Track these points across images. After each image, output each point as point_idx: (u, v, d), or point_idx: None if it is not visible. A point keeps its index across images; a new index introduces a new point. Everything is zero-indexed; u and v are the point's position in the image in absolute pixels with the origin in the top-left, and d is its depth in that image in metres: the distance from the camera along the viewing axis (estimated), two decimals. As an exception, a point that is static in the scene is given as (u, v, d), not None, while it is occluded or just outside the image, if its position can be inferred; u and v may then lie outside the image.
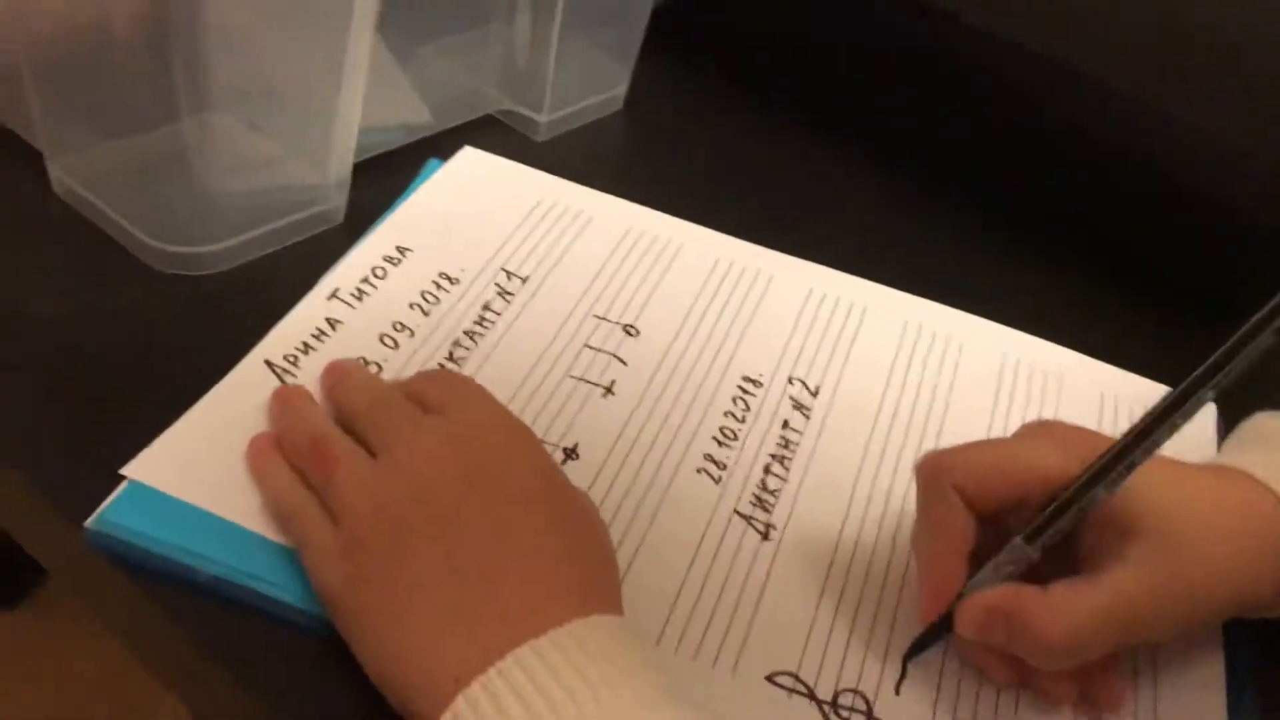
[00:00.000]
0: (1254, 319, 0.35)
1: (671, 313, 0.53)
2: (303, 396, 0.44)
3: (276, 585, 0.39)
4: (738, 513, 0.45)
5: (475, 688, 0.32)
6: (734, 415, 0.49)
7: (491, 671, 0.32)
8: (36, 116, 0.52)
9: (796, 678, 0.39)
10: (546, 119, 0.63)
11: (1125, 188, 0.62)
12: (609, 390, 0.49)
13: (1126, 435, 0.37)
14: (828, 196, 0.65)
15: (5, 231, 0.51)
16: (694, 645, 0.40)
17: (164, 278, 0.50)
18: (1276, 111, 0.54)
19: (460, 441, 0.39)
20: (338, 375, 0.45)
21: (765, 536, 0.44)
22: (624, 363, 0.50)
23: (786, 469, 0.47)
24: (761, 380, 0.51)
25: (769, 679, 0.39)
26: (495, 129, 0.64)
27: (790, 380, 0.51)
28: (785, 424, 0.49)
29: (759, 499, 0.45)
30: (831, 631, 0.41)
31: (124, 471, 0.41)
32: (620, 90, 0.68)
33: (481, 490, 0.38)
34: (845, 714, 0.39)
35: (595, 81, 0.66)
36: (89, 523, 0.40)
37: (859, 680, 0.40)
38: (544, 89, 0.62)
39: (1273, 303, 0.34)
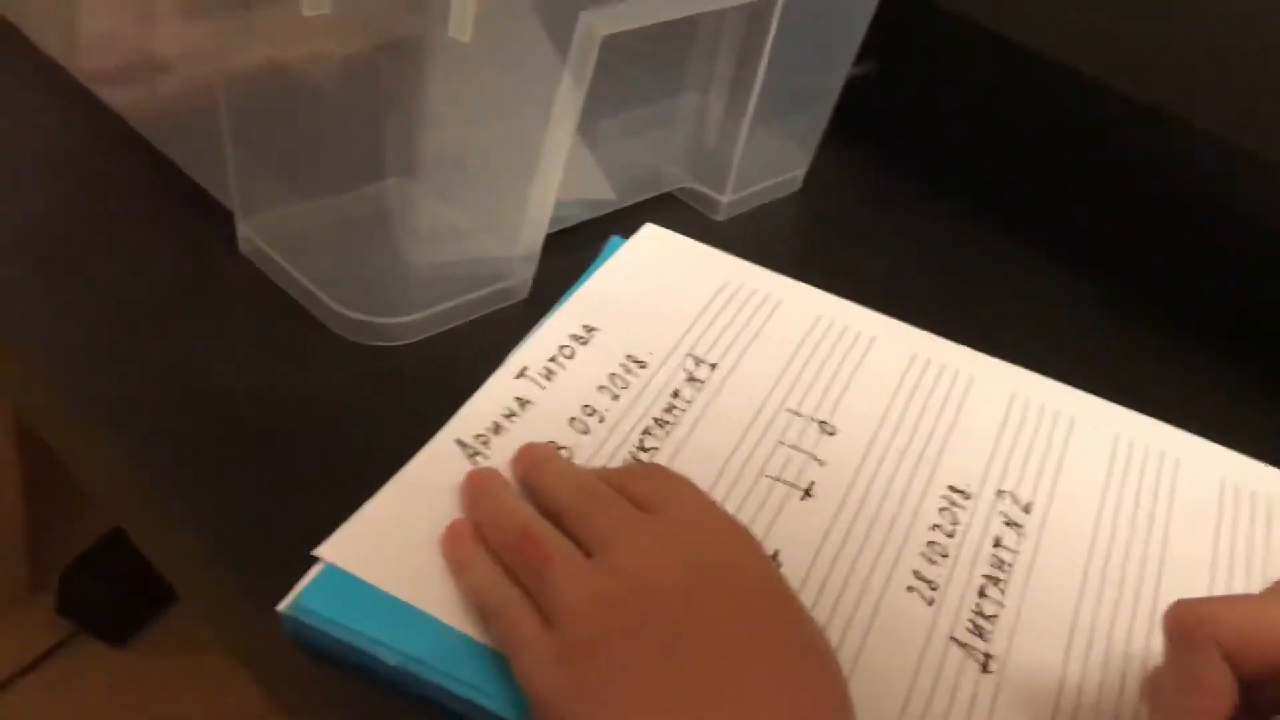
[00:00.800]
0: None
1: (868, 410, 0.50)
2: (501, 482, 0.42)
3: (474, 687, 0.36)
4: (954, 640, 0.41)
5: None
6: (942, 529, 0.45)
7: None
8: (230, 172, 0.51)
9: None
10: (728, 199, 0.61)
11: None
12: (807, 493, 0.46)
13: None
14: (1014, 291, 0.62)
15: (190, 291, 0.51)
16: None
17: (349, 346, 0.49)
18: None
19: (683, 544, 0.37)
20: (533, 460, 0.43)
21: (985, 668, 0.40)
22: (821, 463, 0.47)
23: (1003, 592, 0.43)
24: (969, 492, 0.47)
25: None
26: (674, 206, 0.62)
27: (999, 494, 0.48)
28: (997, 542, 0.45)
29: (976, 625, 0.42)
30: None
31: (317, 553, 0.39)
32: (799, 173, 0.66)
33: (709, 601, 0.35)
34: None
35: (777, 163, 0.64)
36: (283, 608, 0.38)
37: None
38: (729, 169, 0.60)
39: None
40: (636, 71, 0.57)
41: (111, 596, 1.21)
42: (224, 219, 0.52)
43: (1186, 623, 0.36)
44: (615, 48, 0.48)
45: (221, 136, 0.50)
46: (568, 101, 0.48)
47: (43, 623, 1.20)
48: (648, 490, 0.40)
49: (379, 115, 0.45)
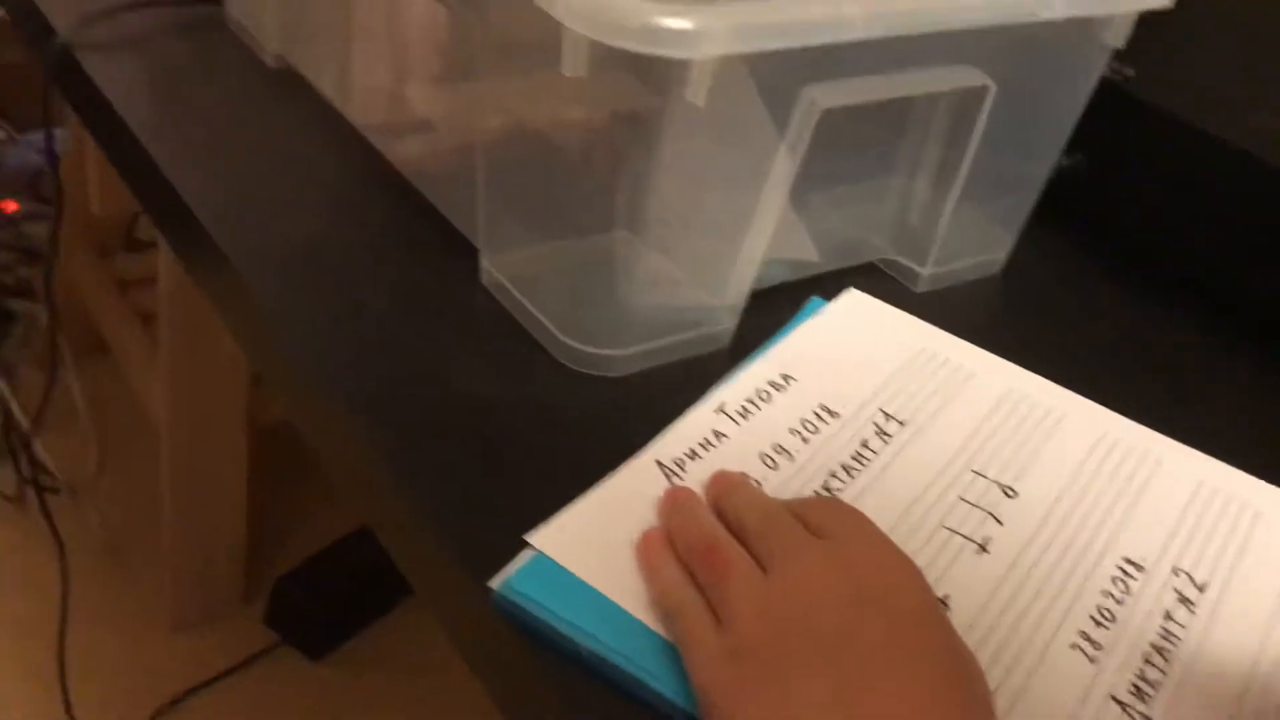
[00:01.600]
0: None
1: (1052, 480, 0.52)
2: (696, 500, 0.46)
3: (654, 675, 0.40)
4: (1114, 699, 0.42)
5: None
6: (1113, 596, 0.47)
7: None
8: (480, 215, 0.58)
9: None
10: (928, 272, 0.65)
11: None
12: (983, 548, 0.48)
13: None
14: (1208, 382, 0.63)
15: (438, 313, 0.57)
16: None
17: (568, 372, 0.55)
18: None
19: (850, 567, 0.40)
20: (726, 485, 0.47)
21: (1144, 729, 0.42)
22: (1000, 522, 0.49)
23: (1168, 661, 0.44)
24: (1144, 565, 0.48)
25: None
26: (874, 275, 0.66)
27: (1175, 571, 0.48)
28: (1168, 615, 0.46)
29: (1138, 689, 0.43)
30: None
31: (528, 538, 0.44)
32: (1001, 254, 0.68)
33: (870, 621, 0.38)
34: None
35: (978, 243, 0.67)
36: (494, 585, 0.43)
37: None
38: (931, 245, 0.64)
39: None
40: (849, 147, 0.61)
41: (315, 612, 1.30)
42: (469, 254, 0.59)
43: None
44: (831, 124, 0.52)
45: (475, 184, 0.57)
46: (783, 169, 0.53)
47: (249, 631, 1.30)
48: (824, 519, 0.43)
49: (614, 175, 0.51)
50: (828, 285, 0.63)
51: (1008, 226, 0.67)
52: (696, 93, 0.45)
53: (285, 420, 1.31)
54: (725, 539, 0.43)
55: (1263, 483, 0.54)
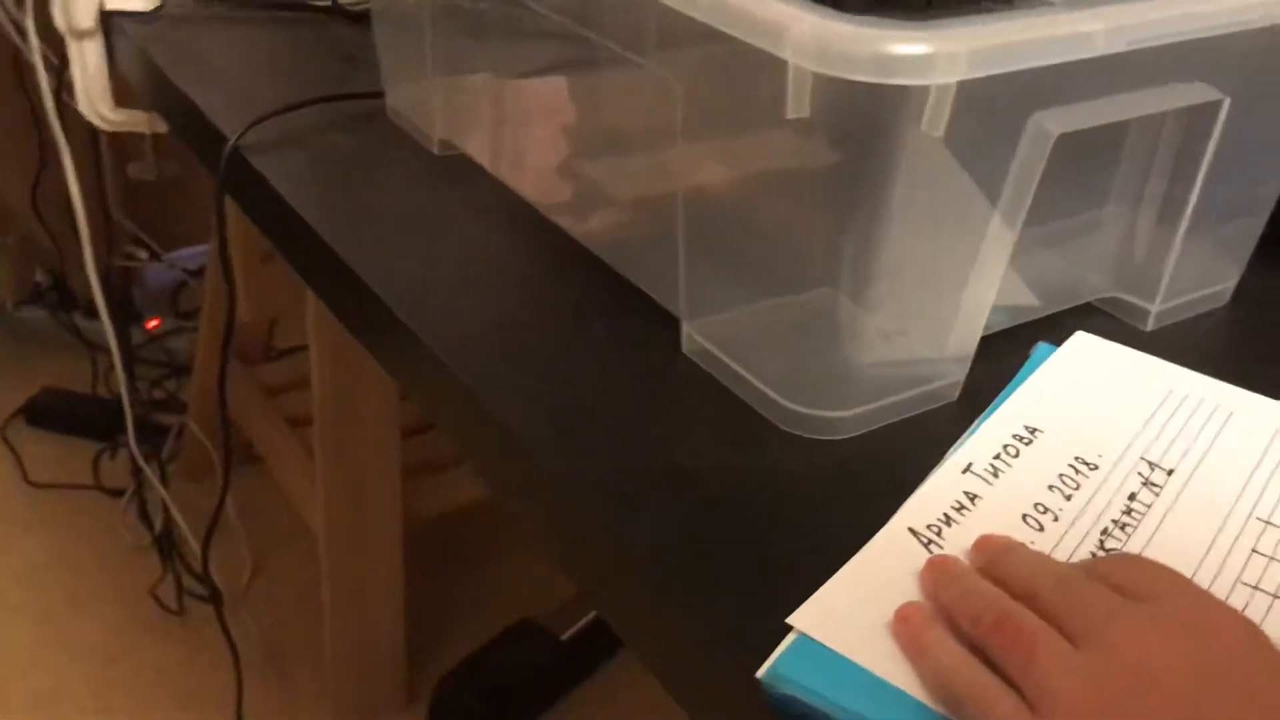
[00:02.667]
0: None
1: (1351, 524, 0.46)
2: (965, 567, 0.42)
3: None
4: None
5: None
6: None
7: None
8: (680, 279, 0.55)
9: None
10: (1158, 309, 0.60)
11: None
12: (1292, 604, 0.42)
13: None
14: None
15: (644, 385, 0.54)
16: None
17: (793, 438, 0.51)
18: None
19: (1189, 631, 0.35)
20: (998, 549, 0.42)
21: None
22: (1304, 574, 0.44)
23: None
24: None
25: None
26: (1096, 316, 0.61)
27: None
28: None
29: None
30: None
31: (791, 621, 0.40)
32: (1230, 283, 0.63)
33: (1224, 691, 0.33)
34: None
35: (1207, 274, 0.62)
36: (762, 675, 0.39)
37: None
38: (1159, 279, 0.59)
39: None
40: (1064, 178, 0.57)
41: (480, 711, 1.26)
42: (667, 322, 0.56)
43: None
44: (1053, 159, 0.49)
45: (669, 250, 0.54)
46: (1014, 205, 0.49)
47: (414, 732, 1.27)
48: (1132, 578, 0.38)
49: (838, 227, 0.47)
50: (1048, 330, 0.58)
51: (1236, 254, 0.62)
52: (935, 124, 0.42)
53: (443, 515, 1.30)
54: (1019, 608, 0.38)
55: None
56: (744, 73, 0.45)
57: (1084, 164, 0.57)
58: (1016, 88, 0.45)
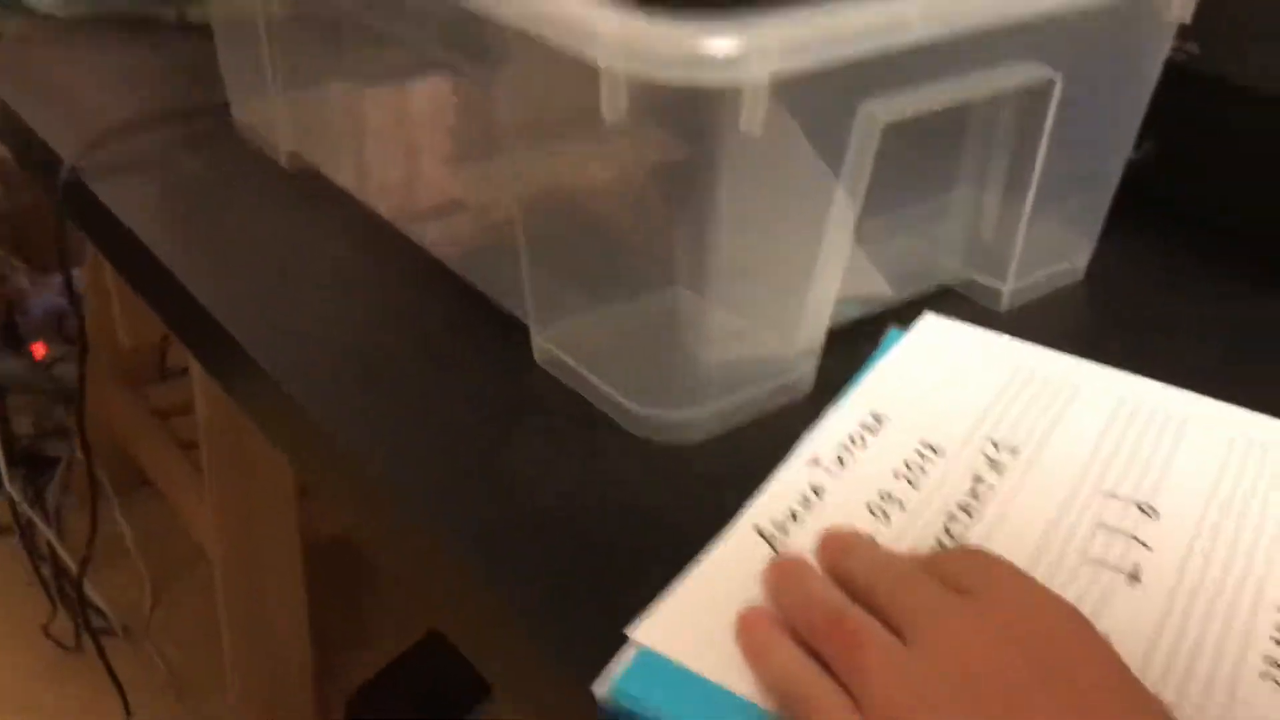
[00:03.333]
0: None
1: (1191, 492, 0.47)
2: (808, 568, 0.41)
3: (798, 774, 0.35)
4: (1327, 733, 0.37)
5: None
6: (1293, 614, 0.41)
7: None
8: (527, 289, 0.54)
9: None
10: (1010, 288, 0.60)
11: None
12: (1134, 576, 0.43)
13: None
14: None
15: (496, 400, 0.53)
16: None
17: (644, 444, 0.50)
18: None
19: (1010, 627, 0.35)
20: (842, 545, 0.42)
21: (1369, 766, 0.36)
22: (1146, 546, 0.44)
23: (1378, 682, 0.39)
24: (1321, 574, 0.43)
25: None
26: (951, 299, 0.61)
27: (1358, 576, 0.43)
28: (1361, 627, 0.41)
29: (1351, 718, 0.38)
30: None
31: (630, 634, 0.39)
32: (1082, 260, 0.64)
33: (1047, 688, 0.33)
34: None
35: (1057, 251, 0.62)
36: (600, 691, 0.38)
37: None
38: (1009, 259, 0.59)
39: None
40: (907, 166, 0.57)
41: (395, 723, 1.25)
42: (521, 331, 0.55)
43: None
44: (887, 142, 0.48)
45: (517, 258, 0.53)
46: (848, 196, 0.49)
47: (329, 753, 1.25)
48: (964, 571, 0.38)
49: (668, 228, 0.47)
50: (903, 316, 0.58)
51: (1085, 229, 0.63)
52: (752, 121, 0.41)
53: (341, 534, 1.27)
54: (850, 608, 0.37)
55: None
56: (563, 76, 0.44)
57: (926, 149, 0.57)
58: (842, 77, 0.45)
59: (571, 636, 0.41)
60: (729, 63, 0.40)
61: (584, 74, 0.41)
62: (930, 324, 0.57)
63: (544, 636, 0.41)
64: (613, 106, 0.41)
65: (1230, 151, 0.63)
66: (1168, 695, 0.38)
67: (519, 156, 0.52)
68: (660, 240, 0.48)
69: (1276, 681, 0.39)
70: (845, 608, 0.38)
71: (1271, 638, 0.40)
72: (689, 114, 0.43)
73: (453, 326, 0.58)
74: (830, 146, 0.47)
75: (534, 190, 0.53)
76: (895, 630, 0.36)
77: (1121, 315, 0.62)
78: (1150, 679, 0.38)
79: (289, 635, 1.22)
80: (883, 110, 0.47)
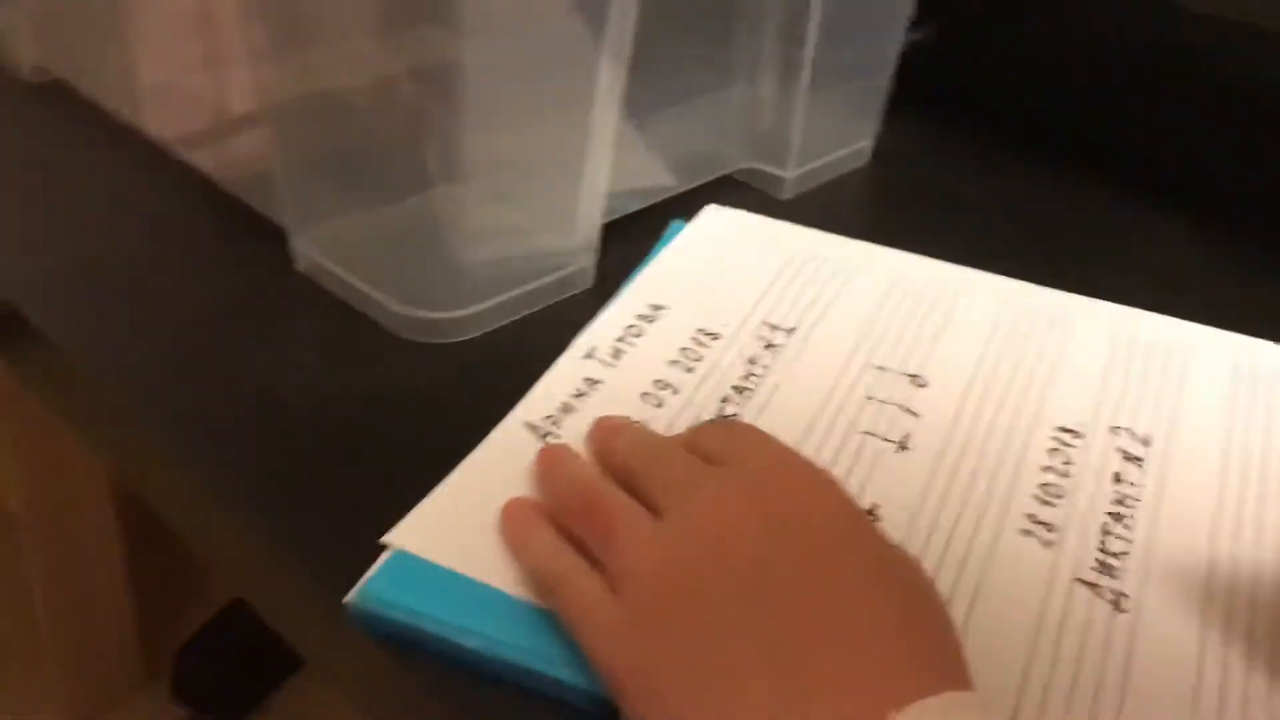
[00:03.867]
0: None
1: (961, 361, 0.47)
2: (571, 455, 0.40)
3: (552, 661, 0.34)
4: (1080, 580, 0.37)
5: None
6: (1054, 470, 0.42)
7: None
8: (283, 193, 0.51)
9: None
10: (792, 175, 0.59)
11: None
12: (903, 445, 0.43)
13: None
14: (1102, 234, 0.58)
15: (251, 308, 0.50)
16: (1056, 734, 0.33)
17: (414, 346, 0.48)
18: None
19: (755, 491, 0.34)
20: (608, 431, 0.40)
21: (1118, 608, 0.37)
22: (915, 415, 0.44)
23: (1129, 529, 0.40)
24: (1081, 431, 0.44)
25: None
26: (736, 188, 0.60)
27: (1114, 430, 0.44)
28: (1118, 478, 0.42)
29: (1103, 564, 0.38)
30: (1223, 711, 0.33)
31: (384, 540, 0.37)
32: (866, 144, 0.63)
33: (788, 545, 0.32)
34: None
35: (841, 136, 0.62)
36: (349, 598, 0.36)
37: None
38: (789, 146, 0.58)
39: None
40: (681, 53, 0.55)
41: (225, 676, 1.21)
42: (280, 239, 0.52)
43: None
44: (655, 24, 0.46)
45: (273, 163, 0.50)
46: (609, 80, 0.47)
47: (159, 711, 1.20)
48: (718, 444, 0.37)
49: (420, 128, 0.44)
50: (688, 206, 0.57)
51: (867, 113, 0.62)
52: (485, -12, 0.39)
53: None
54: (605, 488, 0.36)
55: (1182, 321, 0.50)
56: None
57: (700, 33, 0.55)
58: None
59: (336, 553, 0.38)
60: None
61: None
62: (712, 214, 0.56)
63: (306, 556, 0.38)
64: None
65: (1010, 32, 0.64)
66: (930, 555, 0.38)
67: (272, 59, 0.48)
68: (416, 137, 0.45)
69: (1037, 537, 0.39)
70: (602, 489, 0.36)
71: (1034, 495, 0.41)
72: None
73: (216, 238, 0.54)
74: (591, 24, 0.45)
75: (287, 93, 0.49)
76: (652, 506, 0.35)
77: (906, 196, 0.62)
78: (916, 540, 0.39)
79: (106, 592, 1.17)
80: (634, -19, 0.45)
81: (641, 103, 0.53)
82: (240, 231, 0.54)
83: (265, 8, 0.48)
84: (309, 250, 0.51)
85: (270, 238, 0.52)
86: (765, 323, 0.49)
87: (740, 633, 0.30)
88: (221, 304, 0.50)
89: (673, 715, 0.30)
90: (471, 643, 0.34)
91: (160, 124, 0.60)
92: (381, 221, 0.50)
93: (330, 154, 0.50)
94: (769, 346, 0.47)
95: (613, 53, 0.46)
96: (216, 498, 0.42)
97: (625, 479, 0.37)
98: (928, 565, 0.37)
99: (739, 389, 0.45)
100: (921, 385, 0.46)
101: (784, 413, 0.44)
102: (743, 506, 0.33)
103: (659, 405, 0.44)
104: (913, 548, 0.38)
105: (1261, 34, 0.54)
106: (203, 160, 0.58)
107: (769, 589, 0.31)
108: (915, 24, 0.62)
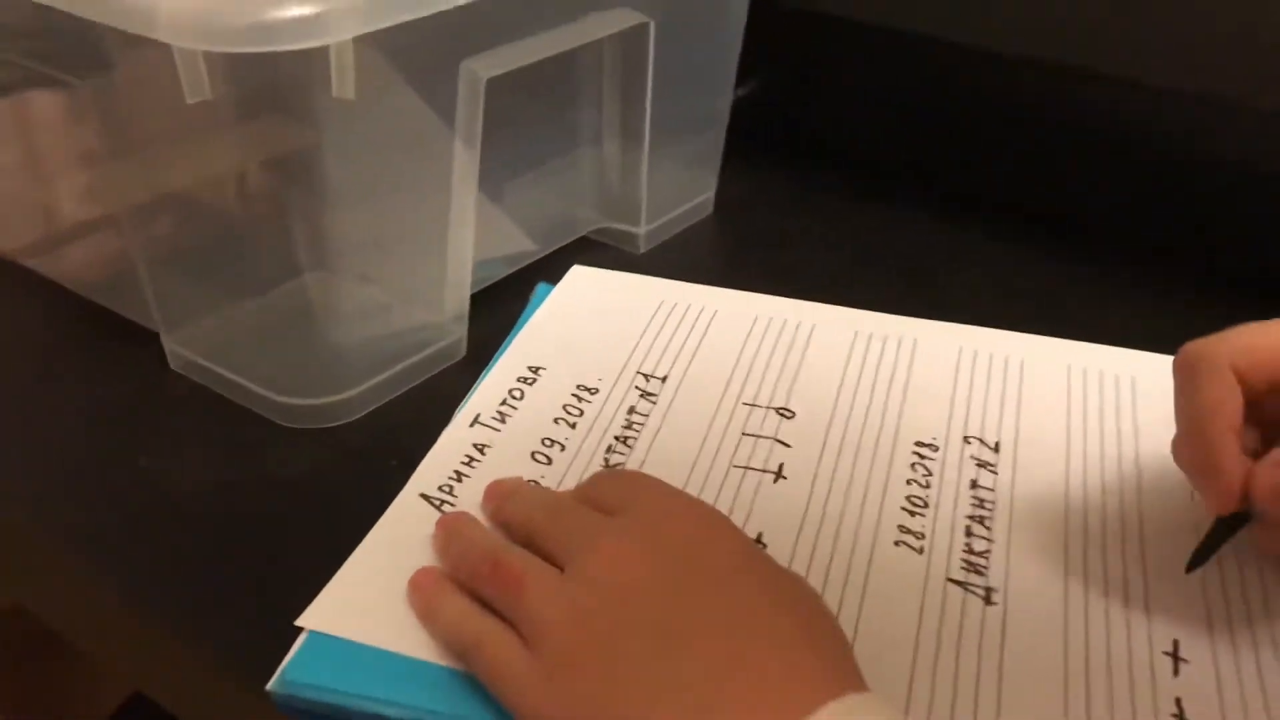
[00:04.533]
0: None
1: (822, 390, 0.50)
2: (470, 521, 0.41)
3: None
4: (952, 580, 0.41)
5: None
6: (917, 483, 0.45)
7: None
8: (146, 293, 0.51)
9: (1072, 738, 0.35)
10: (644, 230, 0.62)
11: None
12: (779, 474, 0.46)
13: None
14: (929, 259, 0.63)
15: (131, 414, 0.50)
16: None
17: (300, 433, 0.49)
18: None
19: (651, 536, 0.36)
20: (503, 494, 0.42)
21: (988, 600, 0.40)
22: (787, 445, 0.47)
23: (989, 529, 0.43)
24: (936, 443, 0.47)
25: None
26: (595, 248, 0.63)
27: (966, 440, 0.48)
28: (974, 484, 0.45)
29: (970, 563, 0.42)
30: (1089, 681, 0.37)
31: (299, 623, 0.38)
32: (709, 195, 0.67)
33: (687, 582, 0.34)
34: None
35: (685, 190, 0.65)
36: (271, 685, 0.36)
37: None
38: (639, 204, 0.61)
39: None
40: (529, 124, 0.58)
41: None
42: (152, 339, 0.52)
43: (1196, 356, 0.39)
44: (502, 101, 0.49)
45: (134, 264, 0.50)
46: (465, 158, 0.49)
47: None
48: (611, 493, 0.39)
49: (282, 217, 0.46)
50: (551, 269, 0.59)
51: (706, 167, 0.66)
52: (344, 86, 0.41)
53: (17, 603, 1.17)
54: (509, 550, 0.38)
55: (1014, 333, 0.54)
56: (153, 71, 0.42)
57: (547, 104, 0.58)
58: (438, 37, 0.45)
59: (248, 645, 0.39)
60: (307, 27, 0.39)
61: (166, 58, 0.39)
62: (577, 274, 0.59)
63: (215, 650, 0.39)
64: (196, 88, 0.40)
65: (829, 82, 0.68)
66: (816, 574, 0.41)
67: (127, 162, 0.49)
68: (278, 228, 0.46)
69: (909, 546, 0.42)
70: (505, 550, 0.38)
71: (902, 507, 0.44)
72: (277, 87, 0.41)
73: (86, 347, 0.54)
74: (441, 107, 0.47)
75: (145, 195, 0.50)
76: (556, 561, 0.37)
77: (751, 241, 0.65)
78: (801, 562, 0.41)
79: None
80: (483, 66, 0.47)
81: (497, 174, 0.55)
82: (109, 337, 0.54)
83: (96, 112, 0.48)
84: (182, 349, 0.51)
85: (142, 340, 0.53)
86: (639, 373, 0.51)
87: (649, 668, 0.32)
88: (101, 413, 0.50)
89: None
90: (396, 714, 0.35)
91: (16, 242, 0.59)
92: (252, 314, 0.51)
93: (190, 250, 0.51)
94: (645, 395, 0.50)
95: (464, 131, 0.48)
96: (119, 602, 0.42)
97: (526, 539, 0.39)
98: (814, 582, 0.40)
99: (621, 439, 0.47)
100: (789, 417, 0.49)
101: (667, 456, 0.46)
102: (641, 552, 0.35)
103: (548, 463, 0.46)
104: (799, 567, 0.41)
105: (1055, 69, 0.60)
106: (49, 269, 0.58)
107: (672, 624, 0.33)
108: (743, 79, 0.66)
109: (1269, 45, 0.53)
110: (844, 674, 0.33)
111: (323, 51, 0.40)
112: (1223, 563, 0.42)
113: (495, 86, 0.48)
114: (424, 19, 0.43)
